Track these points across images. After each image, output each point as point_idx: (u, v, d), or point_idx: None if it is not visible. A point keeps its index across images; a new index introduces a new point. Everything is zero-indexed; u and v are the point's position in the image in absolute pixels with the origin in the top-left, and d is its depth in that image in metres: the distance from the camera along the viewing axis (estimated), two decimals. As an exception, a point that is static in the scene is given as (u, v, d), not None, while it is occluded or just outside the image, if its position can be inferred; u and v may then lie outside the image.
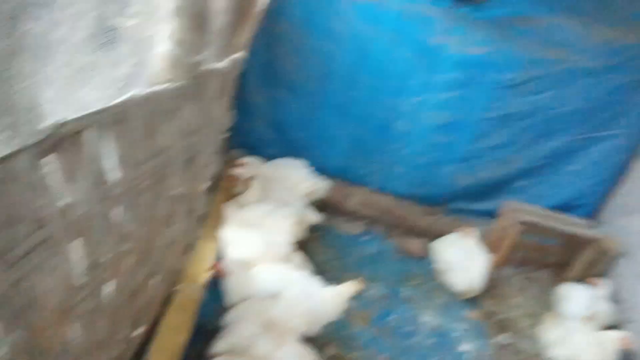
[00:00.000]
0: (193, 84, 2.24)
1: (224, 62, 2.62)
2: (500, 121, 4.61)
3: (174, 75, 2.06)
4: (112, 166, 1.77)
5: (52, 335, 1.57)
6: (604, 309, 4.01)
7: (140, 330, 2.56)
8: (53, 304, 1.54)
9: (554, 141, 4.71)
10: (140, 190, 1.99)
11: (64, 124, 1.42)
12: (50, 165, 1.44)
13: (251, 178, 4.09)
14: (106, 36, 1.88)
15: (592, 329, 3.69)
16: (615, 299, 4.29)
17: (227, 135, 4.46)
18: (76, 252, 1.63)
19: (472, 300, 4.21)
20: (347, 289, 3.14)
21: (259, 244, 3.50)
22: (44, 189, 1.40)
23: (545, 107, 4.54)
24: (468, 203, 5.12)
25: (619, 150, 4.72)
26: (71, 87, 1.68)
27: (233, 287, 3.04)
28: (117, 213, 1.85)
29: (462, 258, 4.20)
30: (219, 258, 3.28)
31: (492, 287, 4.41)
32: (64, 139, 1.45)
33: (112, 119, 1.68)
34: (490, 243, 4.62)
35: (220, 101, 2.83)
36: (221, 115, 3.01)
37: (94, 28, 1.82)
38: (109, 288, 1.91)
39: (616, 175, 4.86)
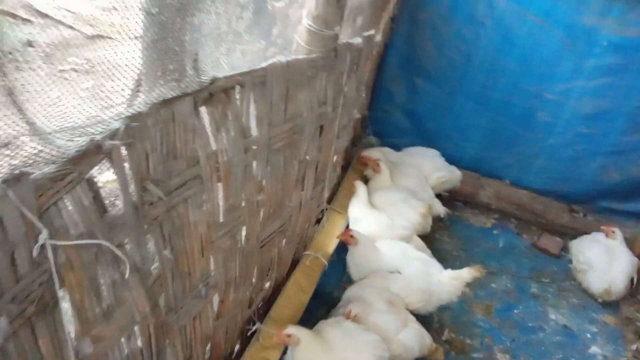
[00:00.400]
0: (328, 56, 2.42)
1: (359, 38, 2.77)
2: (661, 111, 4.13)
3: (311, 46, 2.26)
4: (252, 124, 2.02)
5: (194, 262, 1.85)
6: None
7: (270, 283, 2.83)
8: (197, 235, 1.81)
9: None
10: (275, 149, 2.22)
11: (217, 80, 1.68)
12: (205, 114, 1.72)
13: (380, 162, 4.17)
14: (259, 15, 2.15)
15: None
16: None
17: (362, 116, 4.66)
18: (219, 194, 1.90)
19: (610, 305, 3.87)
20: (466, 274, 3.10)
21: (385, 223, 3.59)
22: (200, 134, 1.66)
23: None
24: (616, 202, 4.66)
25: None
26: (227, 57, 1.96)
27: (358, 257, 3.16)
28: (255, 166, 2.10)
29: (604, 258, 3.86)
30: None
31: (636, 294, 3.99)
32: (217, 94, 1.71)
33: (255, 81, 1.91)
34: (639, 246, 4.19)
35: (353, 76, 2.98)
36: (354, 91, 3.16)
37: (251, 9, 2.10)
38: (244, 232, 2.17)
39: None
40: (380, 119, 5.04)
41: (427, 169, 4.48)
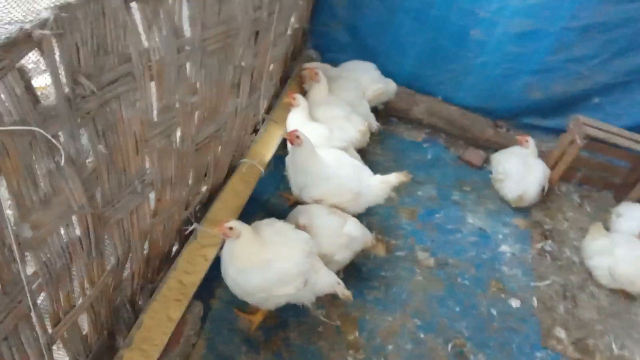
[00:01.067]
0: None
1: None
2: (585, 31, 4.34)
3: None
4: (186, 25, 2.03)
5: (129, 159, 1.91)
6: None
7: (207, 187, 2.94)
8: (131, 132, 1.86)
9: (638, 57, 4.40)
10: (209, 52, 2.24)
11: (144, -26, 1.66)
12: (137, 11, 1.71)
13: (318, 71, 4.21)
14: None
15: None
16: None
17: (302, 29, 4.63)
18: (153, 93, 1.94)
19: (523, 210, 4.30)
20: (393, 178, 3.31)
21: (323, 134, 3.70)
22: (131, 30, 1.67)
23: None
24: (537, 119, 5.01)
25: None
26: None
27: (298, 159, 3.25)
28: (189, 68, 2.13)
29: (520, 169, 4.22)
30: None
31: (547, 201, 4.45)
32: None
33: (186, -22, 1.89)
34: (553, 157, 4.59)
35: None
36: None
37: None
38: (178, 133, 2.23)
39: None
40: (321, 33, 5.02)
41: (364, 81, 4.58)
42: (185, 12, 2.00)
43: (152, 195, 2.22)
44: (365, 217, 3.67)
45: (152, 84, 1.92)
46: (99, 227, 1.83)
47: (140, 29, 1.76)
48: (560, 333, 3.34)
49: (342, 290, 2.76)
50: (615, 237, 3.72)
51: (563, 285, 3.68)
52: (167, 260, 2.70)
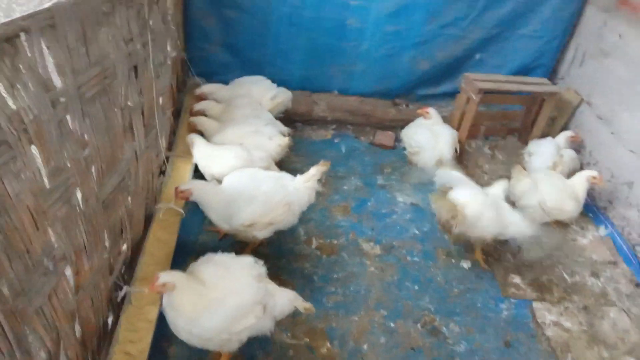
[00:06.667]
0: (120, -13, 2.21)
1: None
2: (449, -3, 4.61)
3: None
4: (53, 74, 1.80)
5: (30, 237, 1.66)
6: (570, 158, 4.23)
7: (127, 244, 2.68)
8: (24, 207, 1.62)
9: (502, 8, 4.73)
10: (89, 98, 2.02)
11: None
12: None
13: (204, 111, 4.08)
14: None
15: (559, 177, 3.90)
16: (580, 146, 4.56)
17: (181, 58, 4.44)
18: (37, 157, 1.70)
19: (445, 175, 4.41)
20: (314, 171, 3.22)
21: (241, 155, 3.53)
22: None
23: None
24: (430, 88, 5.21)
25: (569, 2, 4.77)
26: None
27: (206, 202, 3.01)
28: (70, 120, 1.90)
29: (430, 138, 4.34)
30: (184, 182, 3.26)
31: (462, 160, 4.62)
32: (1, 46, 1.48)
33: (42, 24, 1.68)
34: (456, 119, 4.77)
35: (155, 8, 2.79)
36: (161, 24, 2.98)
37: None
38: (79, 194, 1.99)
39: (569, 28, 4.95)
40: (201, 58, 4.87)
41: (257, 93, 4.49)
42: (50, 61, 1.78)
43: (68, 271, 1.96)
44: (301, 225, 3.57)
45: (33, 147, 1.68)
46: (16, 323, 1.57)
47: (2, 89, 1.54)
48: (516, 279, 3.44)
49: (302, 304, 2.60)
50: (534, 175, 3.90)
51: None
52: (105, 336, 2.42)
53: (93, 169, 2.12)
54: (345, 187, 4.21)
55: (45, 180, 1.76)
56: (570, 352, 2.94)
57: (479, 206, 3.25)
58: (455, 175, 3.53)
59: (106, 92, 2.18)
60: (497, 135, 5.05)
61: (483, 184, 3.87)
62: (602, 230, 4.01)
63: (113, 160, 2.33)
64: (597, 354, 2.96)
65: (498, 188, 3.55)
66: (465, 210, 3.21)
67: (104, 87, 2.15)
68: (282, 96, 4.62)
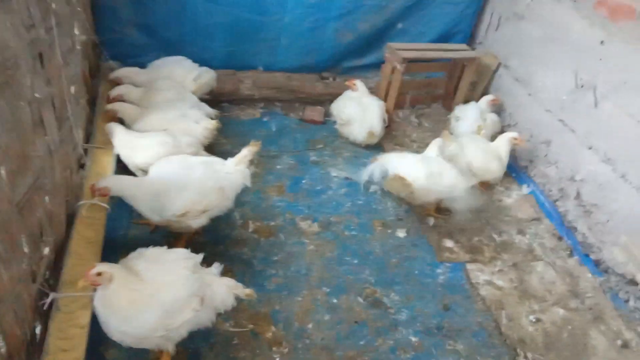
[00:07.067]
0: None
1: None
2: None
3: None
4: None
5: None
6: (492, 121, 4.41)
7: (49, 247, 2.50)
8: None
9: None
10: (-12, 93, 1.83)
11: None
12: None
13: (122, 96, 3.82)
14: None
15: (483, 140, 4.06)
16: (500, 109, 4.75)
17: (92, 41, 4.14)
18: None
19: (375, 147, 4.48)
20: (246, 152, 3.13)
21: (166, 142, 3.36)
22: None
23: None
24: (355, 60, 5.20)
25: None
26: None
27: (131, 195, 2.85)
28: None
29: (359, 110, 4.35)
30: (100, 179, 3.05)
31: (391, 131, 4.69)
32: None
33: None
34: (382, 90, 4.80)
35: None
36: (65, 7, 2.74)
37: None
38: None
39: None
40: (114, 41, 4.54)
41: (179, 75, 4.27)
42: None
43: (-18, 285, 1.79)
44: (237, 209, 3.49)
45: None
46: None
47: None
48: (449, 244, 3.56)
49: (243, 291, 2.54)
50: (460, 139, 4.03)
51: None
52: (35, 348, 2.26)
53: (2, 171, 1.93)
54: (278, 167, 4.15)
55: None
56: (504, 309, 3.11)
57: (425, 176, 3.47)
58: (395, 156, 3.74)
59: (9, 85, 1.97)
60: (422, 103, 5.16)
61: (413, 152, 3.96)
62: (525, 189, 4.22)
63: (24, 159, 2.14)
64: (528, 307, 3.15)
65: (434, 149, 3.79)
66: (416, 184, 3.45)
67: (6, 80, 1.94)
68: (206, 76, 4.42)
